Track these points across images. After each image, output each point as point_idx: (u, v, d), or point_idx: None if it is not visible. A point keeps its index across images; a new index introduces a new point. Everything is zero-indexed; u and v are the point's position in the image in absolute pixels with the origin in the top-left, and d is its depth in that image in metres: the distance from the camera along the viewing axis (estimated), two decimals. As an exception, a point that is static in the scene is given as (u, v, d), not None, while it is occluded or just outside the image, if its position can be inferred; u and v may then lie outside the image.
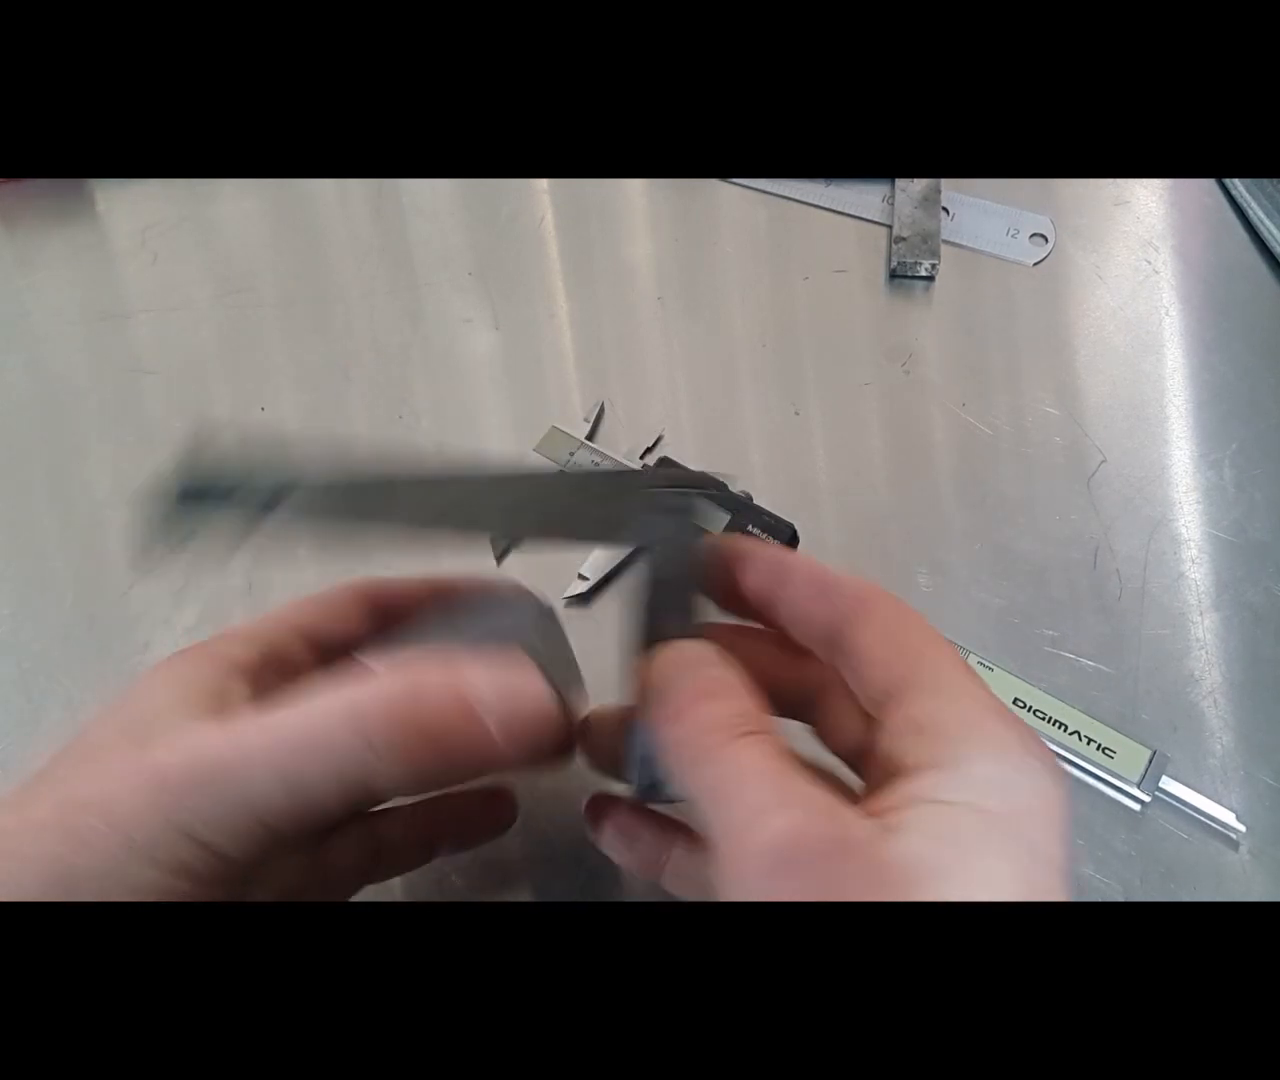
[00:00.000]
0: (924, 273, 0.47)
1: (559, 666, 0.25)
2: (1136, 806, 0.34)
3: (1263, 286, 0.46)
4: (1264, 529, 0.39)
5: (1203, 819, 0.33)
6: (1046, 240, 0.48)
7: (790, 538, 0.38)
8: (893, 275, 0.47)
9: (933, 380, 0.44)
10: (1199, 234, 0.48)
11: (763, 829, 0.19)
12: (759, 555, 0.25)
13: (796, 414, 0.43)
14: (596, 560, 0.39)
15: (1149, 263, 0.47)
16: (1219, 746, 0.35)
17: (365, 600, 0.28)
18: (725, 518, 0.38)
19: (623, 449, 0.42)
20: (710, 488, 0.25)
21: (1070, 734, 0.34)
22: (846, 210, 0.49)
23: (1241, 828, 0.33)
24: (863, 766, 0.24)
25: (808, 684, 0.25)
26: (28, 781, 0.21)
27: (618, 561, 0.39)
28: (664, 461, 0.41)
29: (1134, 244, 0.48)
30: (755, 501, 0.39)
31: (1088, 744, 0.34)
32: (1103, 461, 0.41)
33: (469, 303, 0.47)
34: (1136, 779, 0.34)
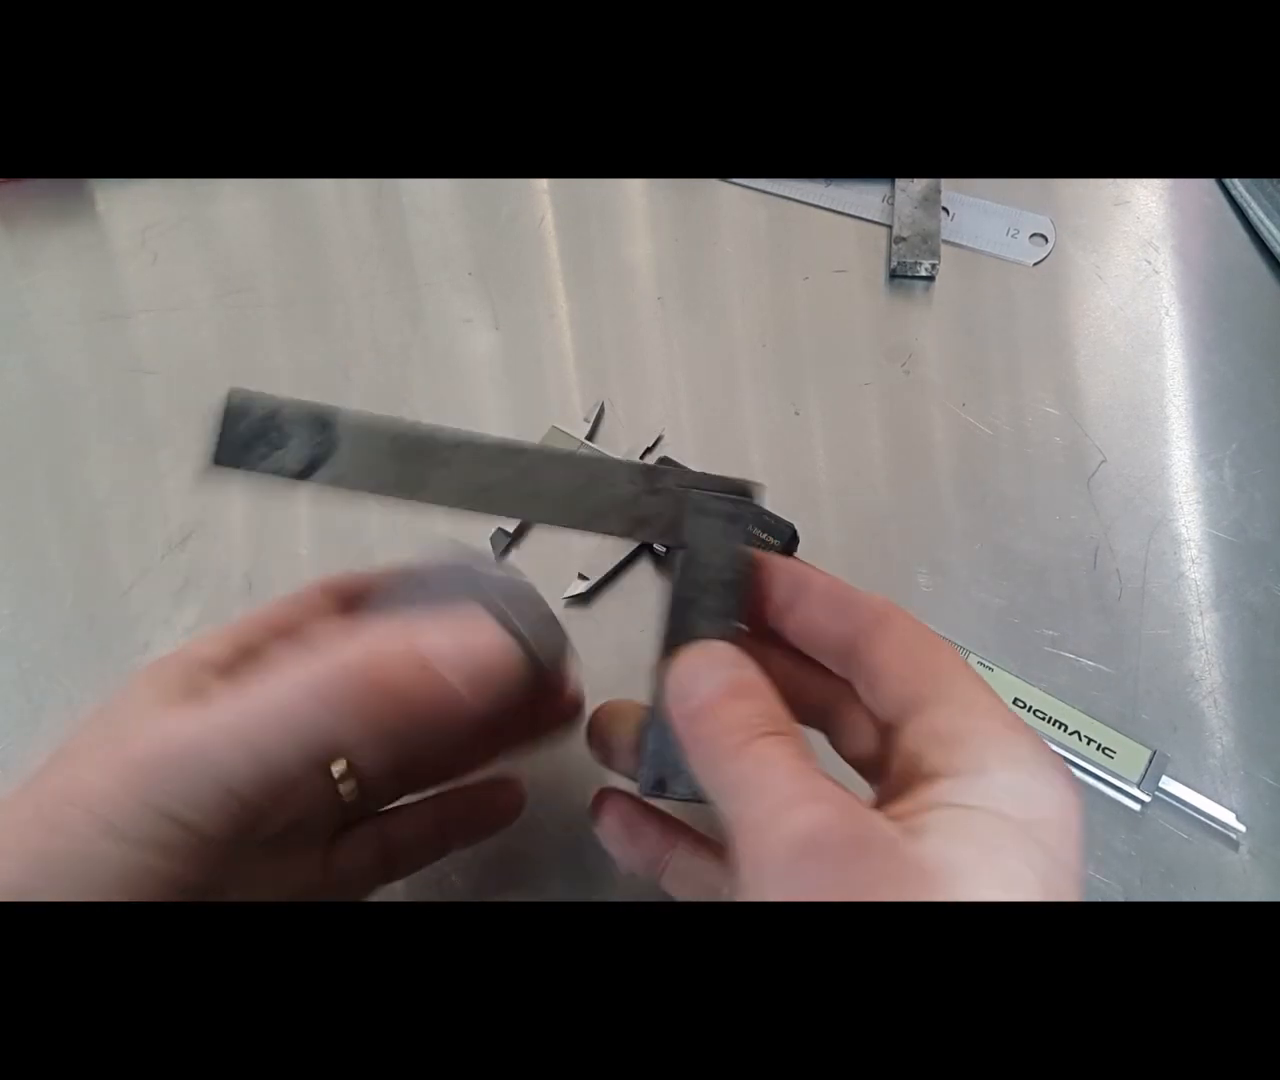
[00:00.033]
0: (924, 273, 0.47)
1: (529, 620, 0.26)
2: (1136, 806, 0.34)
3: (1263, 286, 0.46)
4: (1264, 529, 0.39)
5: (1203, 819, 0.33)
6: (1046, 240, 0.48)
7: (790, 538, 0.38)
8: (893, 275, 0.47)
9: (933, 380, 0.44)
10: (1199, 234, 0.48)
11: (788, 821, 0.19)
12: (777, 568, 0.26)
13: (796, 414, 0.43)
14: (597, 560, 0.39)
15: (1149, 263, 0.47)
16: (1219, 746, 0.35)
17: (334, 593, 0.28)
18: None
19: (623, 449, 0.42)
20: (751, 496, 0.25)
21: (1070, 734, 0.34)
22: (846, 210, 0.49)
23: (1241, 828, 0.33)
24: (875, 776, 0.24)
25: (820, 696, 0.26)
26: (12, 789, 0.22)
27: (618, 562, 0.39)
28: (664, 461, 0.41)
29: (1134, 244, 0.48)
30: (755, 501, 0.39)
31: (1088, 744, 0.34)
32: (1103, 461, 0.41)
33: (469, 303, 0.47)
34: (1136, 779, 0.34)
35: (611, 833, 0.27)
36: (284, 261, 0.49)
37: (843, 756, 0.26)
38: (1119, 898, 0.32)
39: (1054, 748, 0.34)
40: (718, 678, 0.23)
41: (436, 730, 0.23)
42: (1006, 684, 0.35)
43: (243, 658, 0.25)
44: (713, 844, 0.27)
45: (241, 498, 0.42)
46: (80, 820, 0.20)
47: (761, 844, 0.19)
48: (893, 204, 0.48)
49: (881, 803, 0.22)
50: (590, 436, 0.42)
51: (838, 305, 0.46)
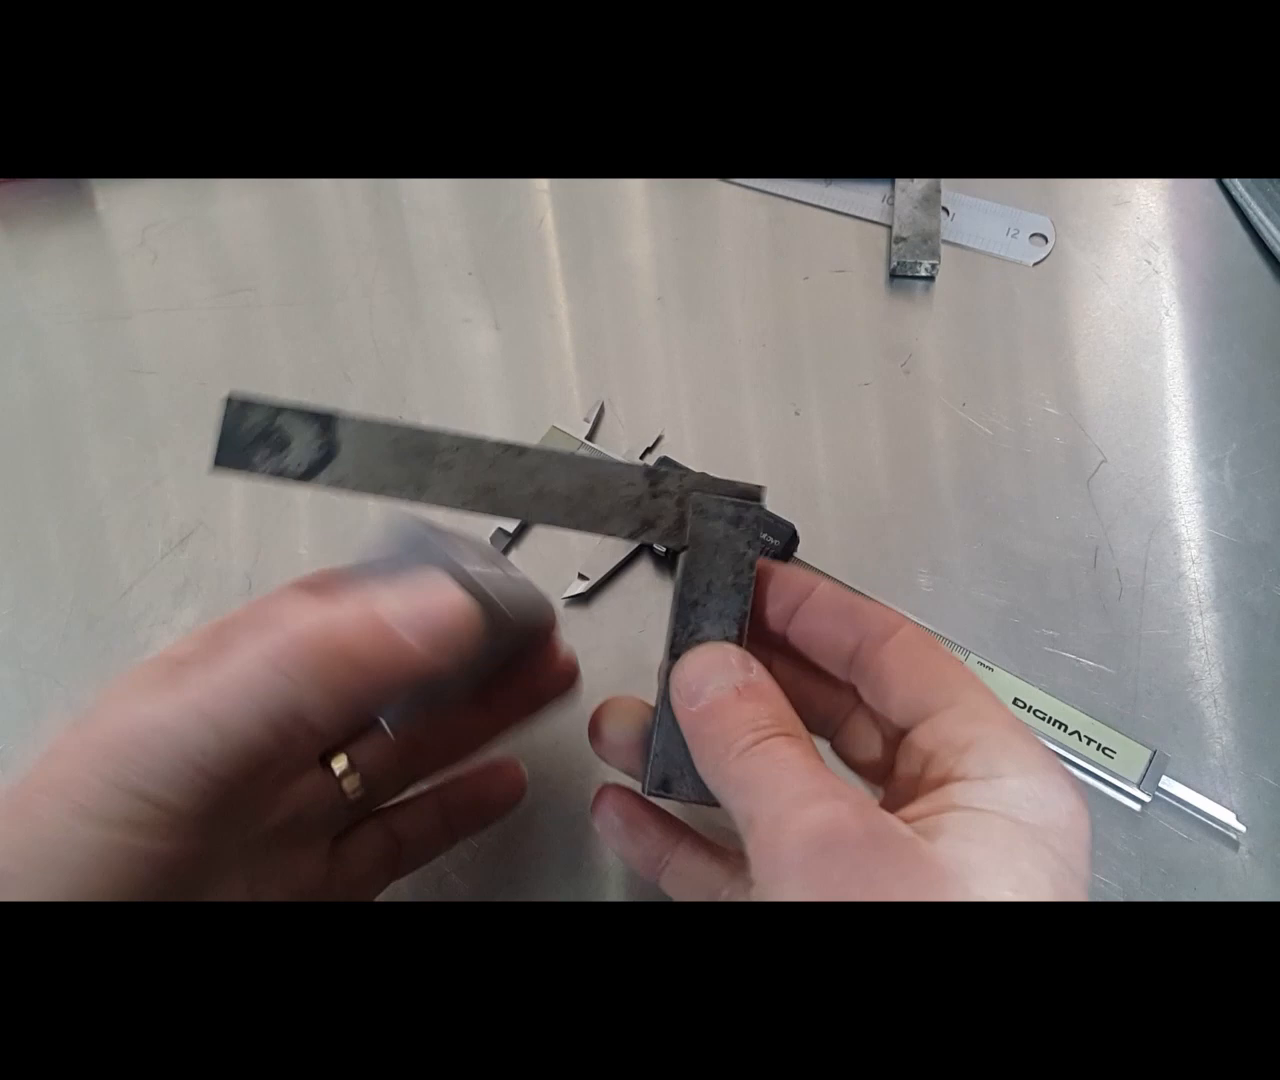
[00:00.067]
0: (924, 273, 0.47)
1: (492, 579, 0.26)
2: (1136, 806, 0.34)
3: (1263, 286, 0.46)
4: (1264, 529, 0.39)
5: (1203, 819, 0.33)
6: (1046, 240, 0.48)
7: (790, 538, 0.38)
8: (893, 275, 0.47)
9: (933, 380, 0.44)
10: (1199, 234, 0.48)
11: (804, 817, 0.19)
12: (783, 575, 0.26)
13: (796, 414, 0.43)
14: (597, 560, 0.39)
15: (1149, 263, 0.47)
16: (1219, 746, 0.35)
17: (305, 588, 0.28)
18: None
19: (623, 449, 0.42)
20: (758, 500, 0.25)
21: (1070, 734, 0.34)
22: (846, 210, 0.49)
23: (1241, 828, 0.33)
24: (880, 781, 0.25)
25: (823, 702, 0.26)
26: None
27: (618, 562, 0.39)
28: (664, 461, 0.41)
29: (1134, 244, 0.48)
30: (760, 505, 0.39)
31: (1088, 744, 0.34)
32: (1103, 461, 0.41)
33: (469, 302, 0.47)
34: (1136, 779, 0.34)
35: (613, 829, 0.28)
36: (284, 261, 0.49)
37: (846, 762, 0.26)
38: (1119, 898, 0.32)
39: (1054, 748, 0.34)
40: (727, 679, 0.23)
41: (393, 687, 0.23)
42: (1006, 684, 0.35)
43: (214, 650, 0.25)
44: (713, 846, 0.27)
45: (241, 498, 0.42)
46: (52, 806, 0.21)
47: (777, 840, 0.20)
48: (893, 204, 0.48)
49: (889, 807, 0.22)
50: (590, 436, 0.42)
51: (838, 305, 0.46)
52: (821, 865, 0.19)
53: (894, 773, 0.24)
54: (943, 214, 0.48)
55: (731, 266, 0.48)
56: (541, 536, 0.40)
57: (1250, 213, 0.47)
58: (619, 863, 0.33)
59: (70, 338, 0.46)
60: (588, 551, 0.39)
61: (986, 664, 0.36)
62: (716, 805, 0.23)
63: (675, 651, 0.24)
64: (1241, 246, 0.47)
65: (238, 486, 0.42)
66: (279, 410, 0.24)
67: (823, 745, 0.26)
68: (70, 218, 0.50)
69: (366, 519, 0.41)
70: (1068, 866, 0.20)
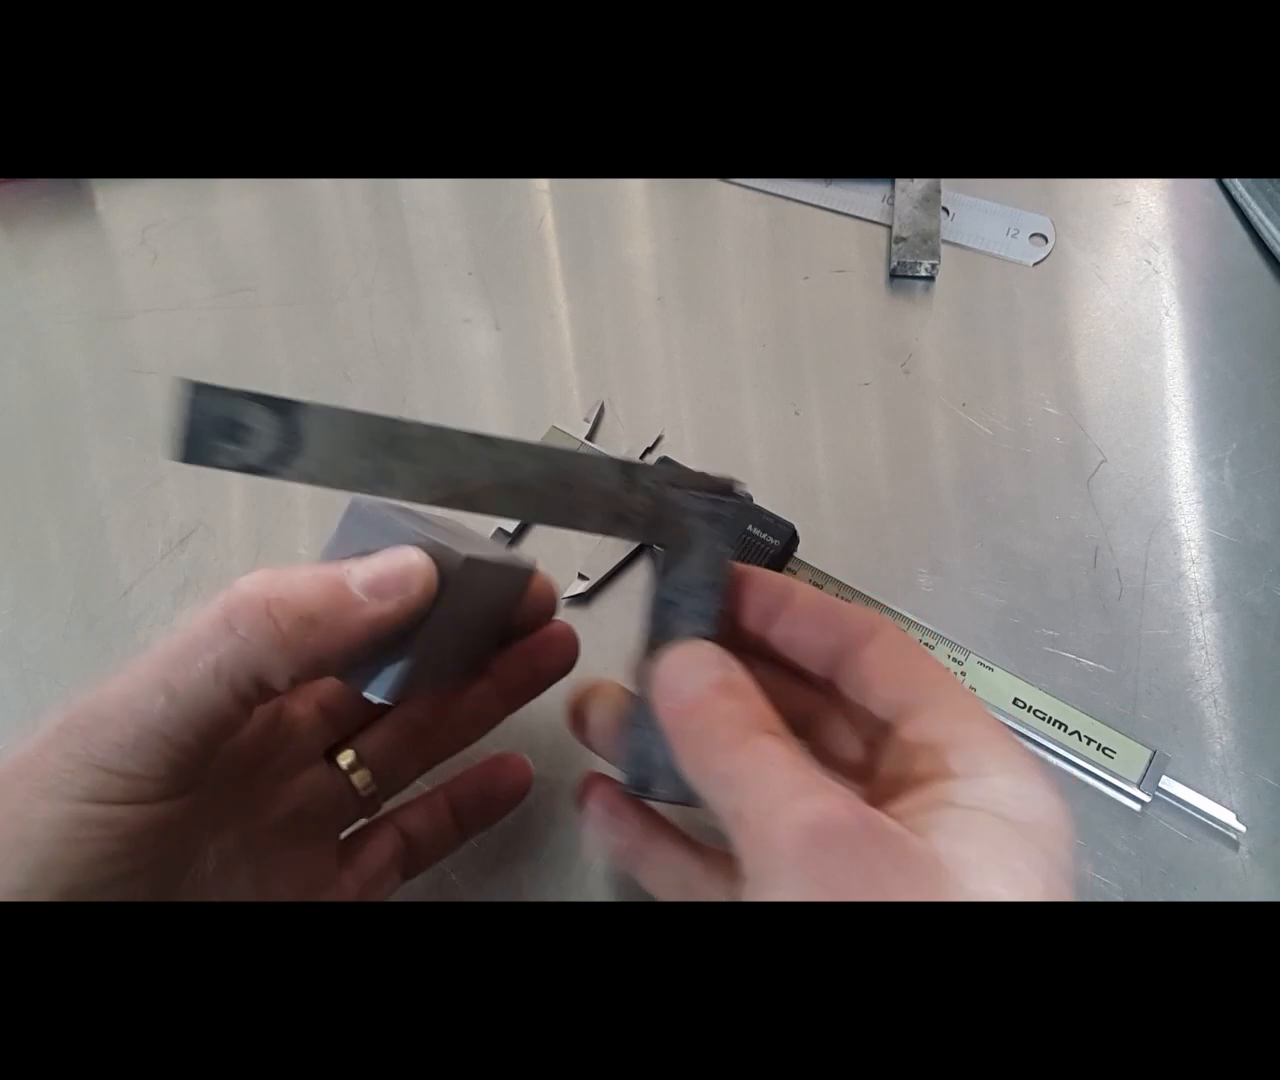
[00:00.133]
0: (924, 273, 0.47)
1: (455, 540, 0.25)
2: (1136, 806, 0.34)
3: (1263, 286, 0.46)
4: (1264, 529, 0.39)
5: (1203, 819, 0.33)
6: (1046, 240, 0.48)
7: (790, 538, 0.38)
8: (893, 275, 0.47)
9: (933, 380, 0.44)
10: (1199, 234, 0.48)
11: (797, 810, 0.19)
12: (760, 579, 0.26)
13: (796, 414, 0.43)
14: (597, 560, 0.39)
15: (1149, 263, 0.47)
16: (1219, 746, 0.35)
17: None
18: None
19: (623, 449, 0.42)
20: (734, 494, 0.25)
21: (1070, 734, 0.34)
22: (846, 210, 0.49)
23: (1241, 828, 0.33)
24: (861, 782, 0.25)
25: (801, 705, 0.26)
26: None
27: (618, 562, 0.39)
28: (664, 461, 0.41)
29: (1134, 244, 0.48)
30: (755, 501, 0.39)
31: (1088, 744, 0.34)
32: (1103, 461, 0.41)
33: (469, 303, 0.47)
34: (1136, 779, 0.34)
35: (595, 819, 0.27)
36: (284, 261, 0.49)
37: (823, 764, 0.26)
38: (1119, 898, 0.32)
39: (1054, 748, 0.34)
40: (707, 676, 0.23)
41: (346, 638, 0.23)
42: (1006, 684, 0.35)
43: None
44: (691, 841, 0.27)
45: (241, 498, 0.42)
46: (19, 788, 0.21)
47: (770, 833, 0.19)
48: (893, 204, 0.48)
49: (870, 805, 0.22)
50: (590, 436, 0.42)
51: (838, 305, 0.46)
52: (818, 857, 0.19)
53: (874, 772, 0.24)
54: (943, 214, 0.48)
55: (731, 266, 0.48)
56: (541, 537, 0.40)
57: (1250, 213, 0.47)
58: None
59: (70, 338, 0.46)
60: (588, 551, 0.39)
61: (986, 664, 0.36)
62: (697, 805, 0.22)
63: (651, 650, 0.24)
64: (1241, 246, 0.47)
65: (238, 486, 0.42)
66: (240, 398, 0.23)
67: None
68: (70, 218, 0.50)
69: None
70: (1056, 864, 0.20)
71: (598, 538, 0.38)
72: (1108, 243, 0.48)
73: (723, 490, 0.25)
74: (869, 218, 0.49)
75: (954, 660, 0.36)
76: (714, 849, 0.26)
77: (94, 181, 0.51)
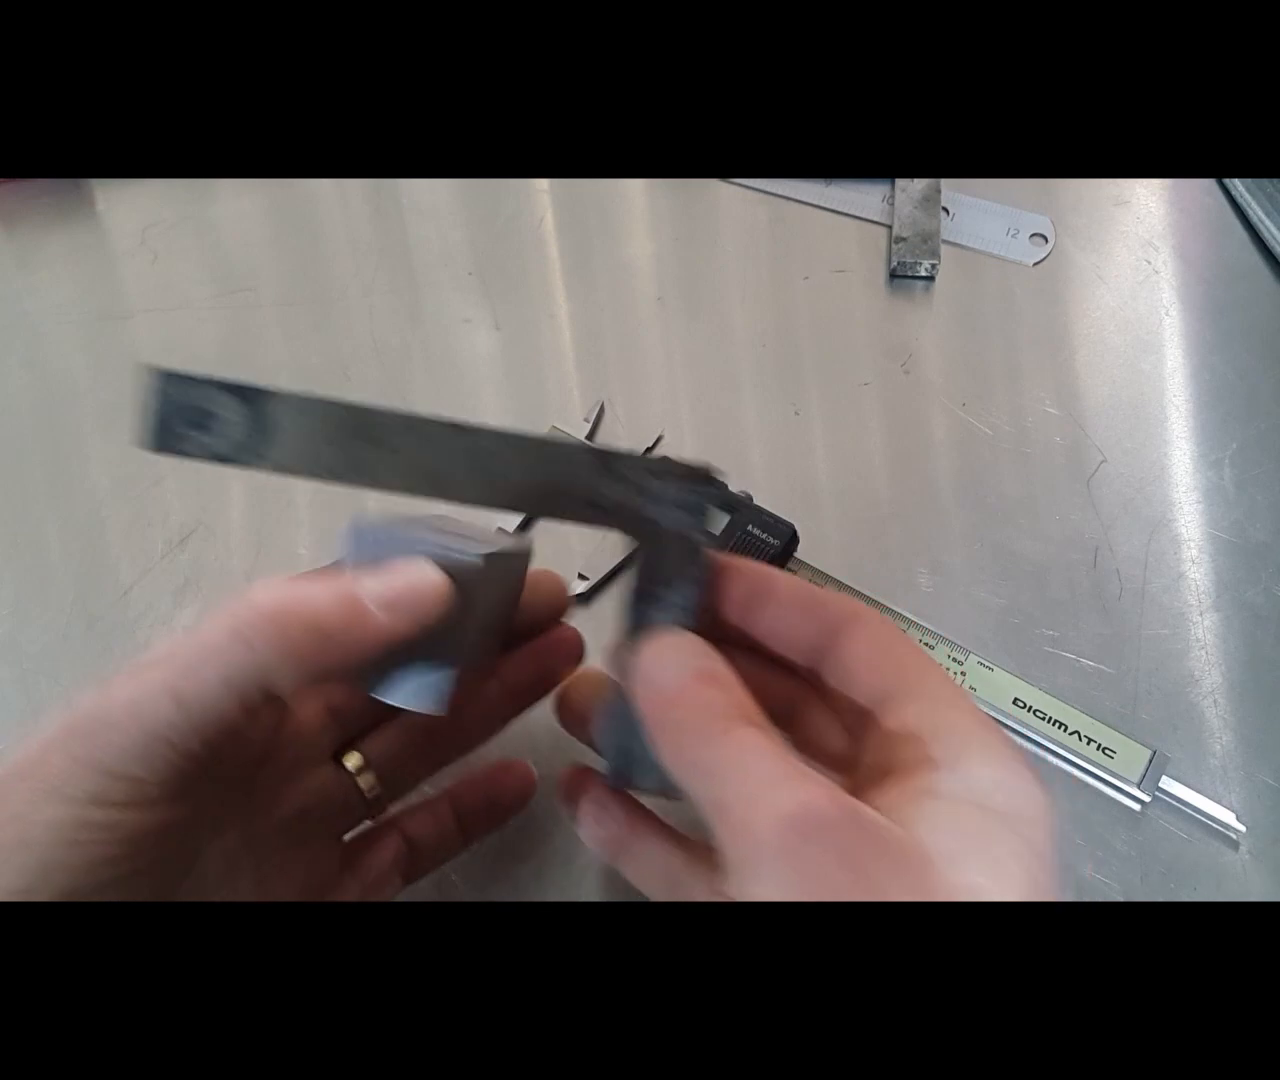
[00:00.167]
0: (924, 273, 0.47)
1: (467, 548, 0.25)
2: (1136, 806, 0.34)
3: (1263, 286, 0.46)
4: (1264, 529, 0.39)
5: (1203, 819, 0.33)
6: (1046, 240, 0.48)
7: (790, 538, 0.38)
8: (893, 275, 0.47)
9: (933, 380, 0.44)
10: (1199, 234, 0.48)
11: (779, 800, 0.19)
12: (740, 570, 0.26)
13: (796, 414, 0.43)
14: (597, 560, 0.39)
15: (1149, 263, 0.47)
16: (1219, 746, 0.35)
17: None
18: (725, 518, 0.38)
19: (623, 449, 0.42)
20: (711, 482, 0.25)
21: (1070, 734, 0.34)
22: (846, 210, 0.49)
23: (1241, 828, 0.33)
24: (842, 772, 0.24)
25: (782, 696, 0.26)
26: None
27: (618, 562, 0.39)
28: (663, 461, 0.41)
29: (1134, 244, 0.48)
30: (755, 501, 0.39)
31: (1088, 744, 0.34)
32: (1103, 461, 0.41)
33: (469, 303, 0.47)
34: (1136, 779, 0.34)
35: (577, 812, 0.27)
36: (284, 261, 0.49)
37: (805, 754, 0.26)
38: (1119, 898, 0.32)
39: (1054, 748, 0.34)
40: (687, 666, 0.22)
41: (357, 653, 0.23)
42: (1006, 684, 0.35)
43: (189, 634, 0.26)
44: (675, 833, 0.26)
45: (241, 498, 0.42)
46: (22, 789, 0.21)
47: (752, 823, 0.19)
48: (893, 204, 0.48)
49: (852, 795, 0.22)
50: (590, 436, 0.42)
51: (838, 305, 0.46)
52: (801, 848, 0.19)
53: (858, 762, 0.24)
54: (943, 214, 0.48)
55: (731, 266, 0.48)
56: (542, 537, 0.40)
57: (1250, 213, 0.47)
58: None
59: (70, 338, 0.46)
60: (588, 551, 0.39)
61: (986, 664, 0.36)
62: (678, 798, 0.22)
63: (631, 640, 0.24)
64: (1241, 246, 0.47)
65: (238, 486, 0.42)
66: (208, 386, 0.23)
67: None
68: (70, 218, 0.50)
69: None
70: (1038, 854, 0.20)
71: (598, 537, 0.38)
72: (1108, 243, 0.48)
73: (700, 479, 0.24)
74: (869, 218, 0.49)
75: (954, 660, 0.36)
76: (698, 841, 0.25)
77: (94, 181, 0.51)
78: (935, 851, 0.19)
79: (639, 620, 0.24)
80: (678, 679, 0.22)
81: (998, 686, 0.35)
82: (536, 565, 0.30)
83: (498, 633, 0.29)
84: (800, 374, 0.44)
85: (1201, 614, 0.37)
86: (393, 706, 0.25)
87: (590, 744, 0.27)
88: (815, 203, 0.49)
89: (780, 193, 0.50)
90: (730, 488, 0.39)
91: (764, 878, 0.19)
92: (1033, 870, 0.19)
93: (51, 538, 0.41)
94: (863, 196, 0.49)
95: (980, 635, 0.37)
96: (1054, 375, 0.44)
